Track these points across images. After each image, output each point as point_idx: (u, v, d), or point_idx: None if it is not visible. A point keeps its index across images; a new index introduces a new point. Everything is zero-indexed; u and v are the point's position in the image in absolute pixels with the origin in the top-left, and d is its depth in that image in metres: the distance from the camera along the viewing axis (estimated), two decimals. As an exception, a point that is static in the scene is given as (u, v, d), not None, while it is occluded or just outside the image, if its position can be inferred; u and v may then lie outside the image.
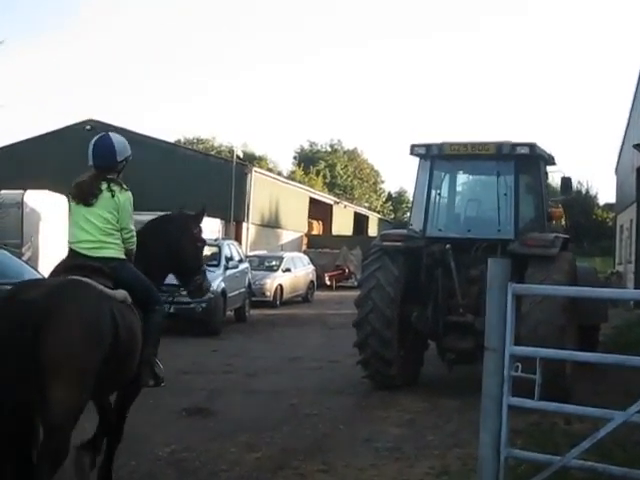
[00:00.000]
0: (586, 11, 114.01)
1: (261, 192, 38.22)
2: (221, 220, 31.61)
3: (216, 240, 19.65)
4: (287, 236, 42.47)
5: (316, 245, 41.76)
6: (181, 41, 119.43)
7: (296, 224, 44.38)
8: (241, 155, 39.26)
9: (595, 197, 62.30)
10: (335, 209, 51.66)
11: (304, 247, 42.77)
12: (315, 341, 16.21)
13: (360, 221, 58.26)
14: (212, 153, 53.77)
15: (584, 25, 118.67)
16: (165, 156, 36.42)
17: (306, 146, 77.50)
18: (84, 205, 5.55)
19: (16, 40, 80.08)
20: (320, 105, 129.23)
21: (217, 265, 17.87)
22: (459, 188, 11.70)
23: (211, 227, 27.65)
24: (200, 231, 6.65)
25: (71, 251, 5.61)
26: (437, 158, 10.89)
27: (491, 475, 4.84)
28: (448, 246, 10.21)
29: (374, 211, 68.64)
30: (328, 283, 34.86)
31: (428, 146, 10.80)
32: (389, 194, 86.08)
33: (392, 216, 79.21)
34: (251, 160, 52.39)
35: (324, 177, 69.44)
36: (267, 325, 19.37)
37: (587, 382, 9.95)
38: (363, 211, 61.66)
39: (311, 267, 29.50)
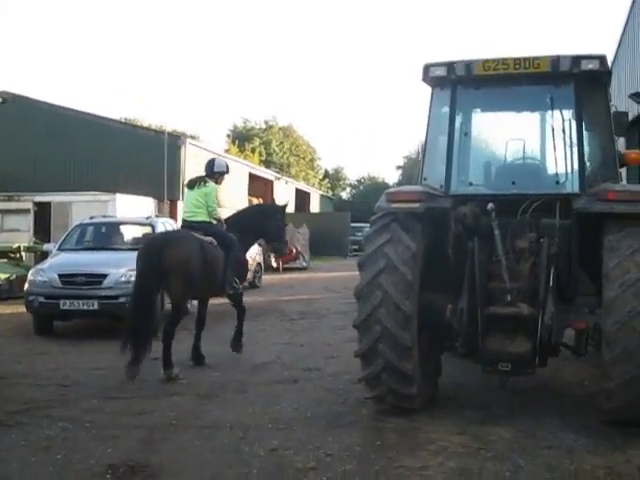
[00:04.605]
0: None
1: (197, 167, 34.63)
2: (154, 199, 28.29)
3: (148, 218, 16.81)
4: (226, 214, 39.00)
5: (258, 224, 38.33)
6: (102, 16, 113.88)
7: (235, 201, 40.82)
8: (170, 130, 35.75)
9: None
10: (276, 185, 48.42)
11: (245, 226, 39.41)
12: (278, 338, 12.98)
13: (302, 198, 55.63)
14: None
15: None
16: (88, 128, 32.64)
17: (239, 123, 73.80)
18: (190, 190, 10.79)
19: None
20: (252, 81, 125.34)
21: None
22: (495, 125, 8.50)
23: (143, 206, 25.35)
24: (284, 217, 12.01)
25: (183, 218, 10.87)
26: (463, 83, 7.67)
27: None
28: (491, 205, 7.08)
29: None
30: (274, 265, 31.72)
31: (450, 65, 7.51)
32: (326, 171, 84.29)
33: (330, 193, 77.09)
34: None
35: (260, 154, 65.91)
36: (214, 319, 15.77)
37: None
38: (304, 187, 58.91)
39: (257, 247, 26.16)
